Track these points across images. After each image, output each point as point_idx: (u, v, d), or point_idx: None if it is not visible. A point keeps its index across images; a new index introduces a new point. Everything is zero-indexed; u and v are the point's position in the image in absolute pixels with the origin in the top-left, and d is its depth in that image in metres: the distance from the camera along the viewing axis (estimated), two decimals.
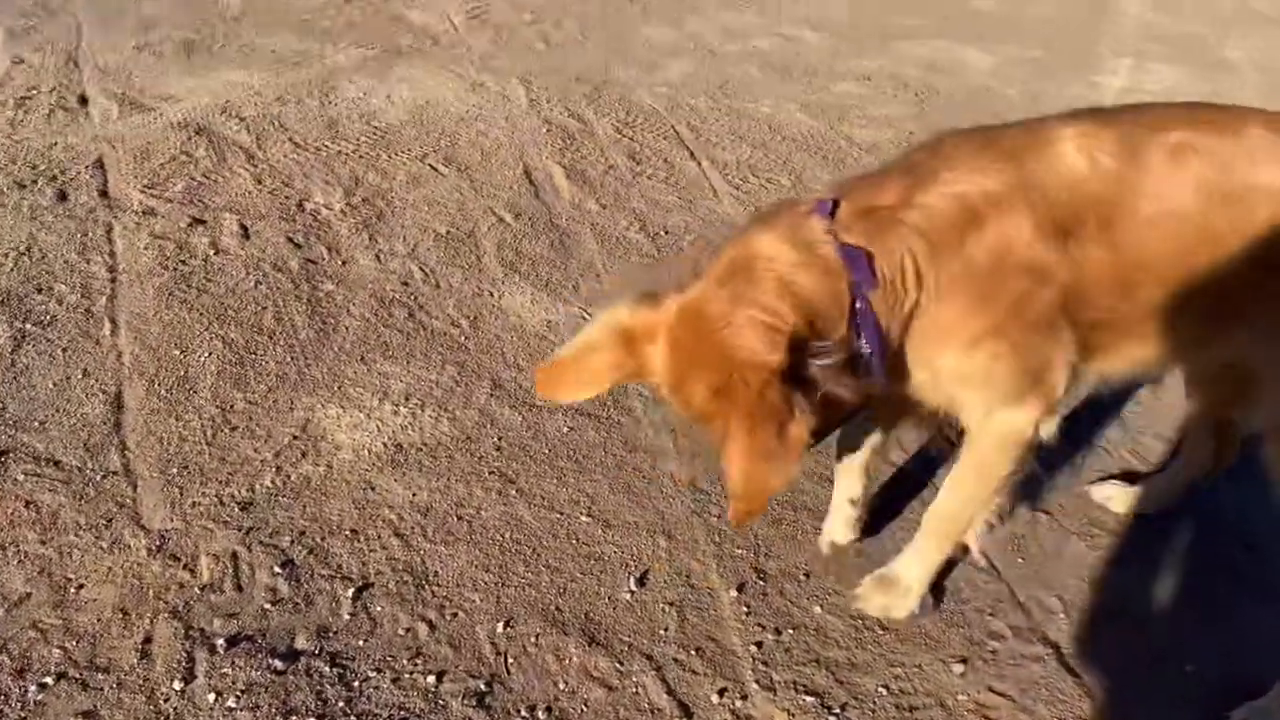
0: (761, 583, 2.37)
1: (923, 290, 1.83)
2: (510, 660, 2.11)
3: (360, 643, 2.10)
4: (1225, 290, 1.90)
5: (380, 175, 3.89)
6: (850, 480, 2.41)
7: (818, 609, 2.32)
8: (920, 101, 5.32)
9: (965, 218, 1.81)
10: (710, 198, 4.10)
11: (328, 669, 2.04)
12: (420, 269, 3.35)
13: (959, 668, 2.20)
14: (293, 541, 2.31)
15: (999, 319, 1.87)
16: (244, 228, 3.43)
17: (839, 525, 2.46)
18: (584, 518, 2.49)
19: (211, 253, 3.27)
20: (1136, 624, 2.37)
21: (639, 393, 2.93)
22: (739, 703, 2.08)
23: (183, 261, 3.21)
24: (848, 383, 1.83)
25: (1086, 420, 2.97)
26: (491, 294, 3.28)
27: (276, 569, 2.23)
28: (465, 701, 2.01)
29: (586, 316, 3.23)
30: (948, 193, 1.82)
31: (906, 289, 1.83)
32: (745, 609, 2.29)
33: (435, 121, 4.39)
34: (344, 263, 3.33)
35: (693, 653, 2.17)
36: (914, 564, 2.28)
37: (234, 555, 2.26)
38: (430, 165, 4.02)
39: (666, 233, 3.79)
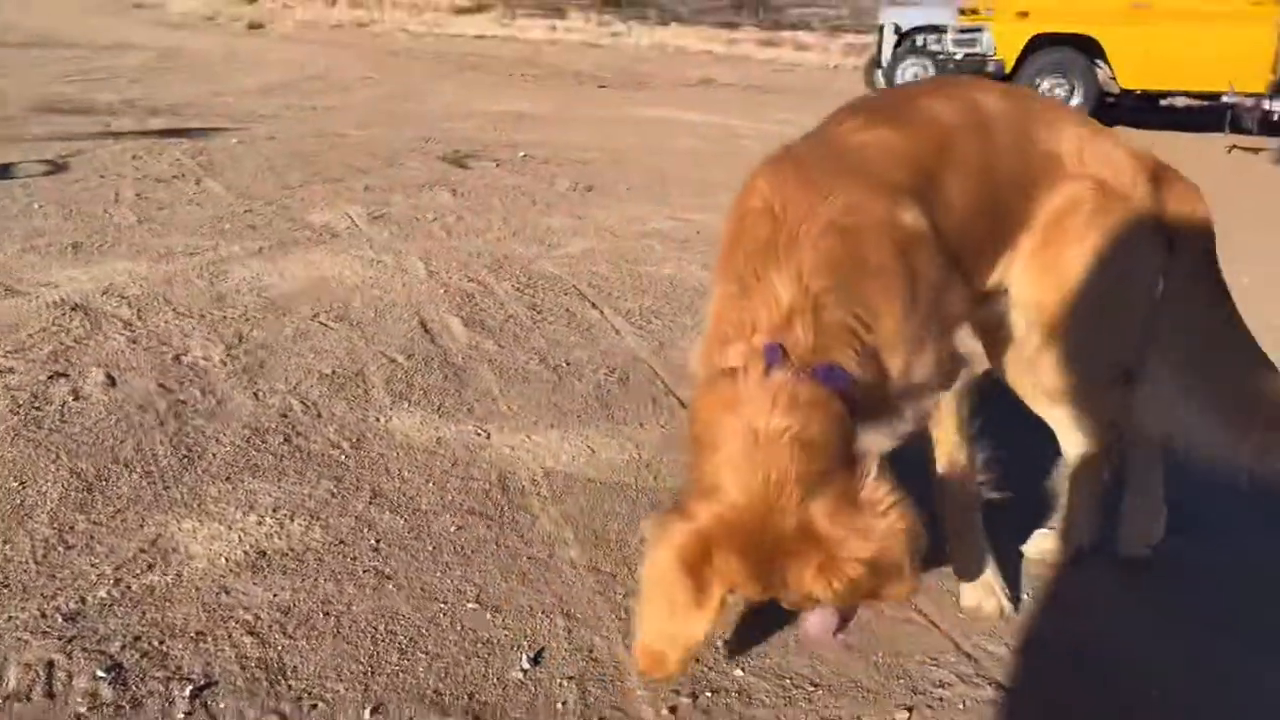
0: None
1: (873, 334, 1.80)
2: None
3: None
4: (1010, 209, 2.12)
5: (266, 332, 3.74)
6: None
7: (739, 672, 2.03)
8: None
9: (850, 242, 1.81)
10: (613, 335, 4.01)
11: None
12: (301, 403, 3.15)
13: (903, 715, 1.91)
14: (124, 647, 1.98)
15: (923, 306, 1.87)
16: (110, 378, 3.21)
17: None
18: (471, 605, 2.20)
19: (71, 399, 3.04)
20: (1091, 665, 2.12)
21: (537, 493, 2.70)
22: None
23: (36, 408, 2.97)
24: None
25: (1012, 483, 2.80)
26: (378, 420, 3.08)
27: (100, 673, 1.89)
28: None
29: (480, 433, 3.02)
30: (821, 234, 1.80)
31: (866, 352, 1.79)
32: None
33: (329, 290, 4.30)
34: (218, 402, 3.11)
35: None
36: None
37: (50, 664, 1.91)
38: (320, 322, 3.89)
39: (568, 364, 3.66)
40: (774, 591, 1.71)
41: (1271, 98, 11.85)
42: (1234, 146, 11.91)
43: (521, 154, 8.36)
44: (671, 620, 1.68)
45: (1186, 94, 13.99)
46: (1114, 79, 13.15)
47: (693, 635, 1.68)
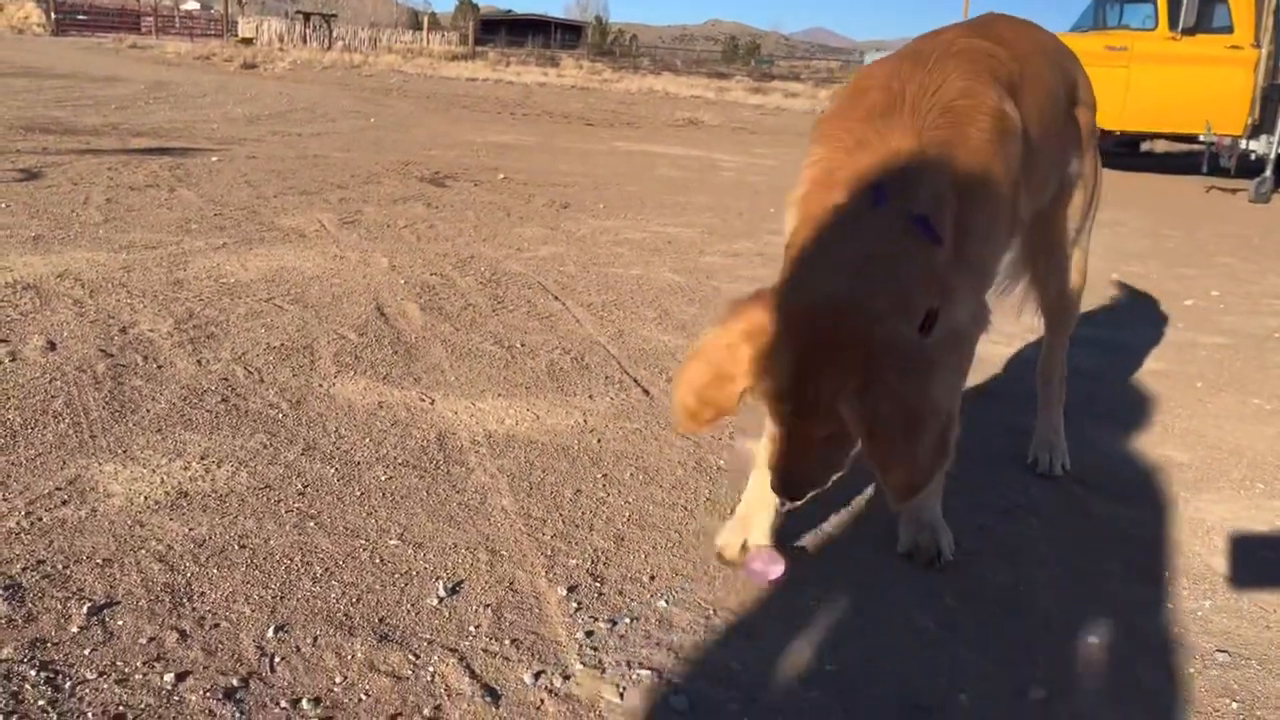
0: (598, 584, 2.02)
1: (962, 208, 1.87)
2: (278, 660, 1.71)
3: (85, 652, 1.69)
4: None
5: (218, 311, 3.70)
6: None
7: (662, 603, 1.97)
8: None
9: (962, 120, 1.92)
10: (572, 324, 3.98)
11: (33, 673, 1.61)
12: (244, 370, 3.10)
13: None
14: (25, 569, 1.91)
15: (1009, 191, 2.02)
16: (51, 343, 3.16)
17: (760, 526, 2.16)
18: (393, 542, 2.14)
19: (7, 360, 2.98)
20: None
21: (475, 450, 2.65)
22: (559, 682, 1.70)
23: None
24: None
25: None
26: (321, 385, 3.02)
27: None
28: (208, 697, 1.59)
29: (425, 399, 2.98)
30: (940, 111, 1.92)
31: (946, 225, 1.83)
32: (576, 605, 1.94)
33: (288, 279, 4.27)
34: (159, 367, 3.06)
35: (507, 643, 1.80)
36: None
37: None
38: (275, 304, 3.85)
39: (523, 345, 3.62)
40: (797, 395, 1.68)
41: (1249, 139, 11.98)
42: (1212, 187, 12.03)
43: (501, 176, 8.39)
44: (708, 386, 1.73)
45: (1165, 136, 14.14)
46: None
47: (725, 402, 1.74)
